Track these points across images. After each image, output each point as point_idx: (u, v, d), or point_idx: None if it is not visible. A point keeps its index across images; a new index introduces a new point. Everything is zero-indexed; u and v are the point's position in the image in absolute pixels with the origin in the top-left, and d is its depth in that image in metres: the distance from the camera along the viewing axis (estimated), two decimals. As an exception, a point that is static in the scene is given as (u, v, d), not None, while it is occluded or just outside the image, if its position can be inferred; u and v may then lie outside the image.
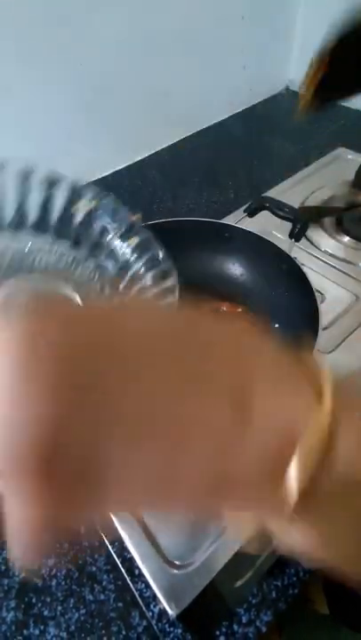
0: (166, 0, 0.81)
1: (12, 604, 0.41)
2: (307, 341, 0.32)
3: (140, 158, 0.98)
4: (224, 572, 0.29)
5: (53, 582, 0.42)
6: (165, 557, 0.30)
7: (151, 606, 0.40)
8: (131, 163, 0.97)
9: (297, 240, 0.39)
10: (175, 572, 0.29)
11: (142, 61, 0.85)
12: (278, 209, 0.40)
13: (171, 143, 1.02)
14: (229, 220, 0.45)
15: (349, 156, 0.70)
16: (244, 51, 1.03)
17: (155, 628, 0.38)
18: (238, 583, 0.34)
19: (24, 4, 0.65)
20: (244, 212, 0.43)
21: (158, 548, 0.31)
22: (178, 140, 1.03)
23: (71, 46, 0.74)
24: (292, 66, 1.15)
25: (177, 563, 0.30)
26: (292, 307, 0.38)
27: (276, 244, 0.40)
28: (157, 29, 0.84)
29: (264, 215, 0.45)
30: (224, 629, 0.37)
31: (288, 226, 0.42)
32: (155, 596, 0.40)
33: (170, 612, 0.27)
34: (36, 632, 0.40)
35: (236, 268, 0.45)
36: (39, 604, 0.41)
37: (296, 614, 0.44)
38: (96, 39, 0.77)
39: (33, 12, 0.67)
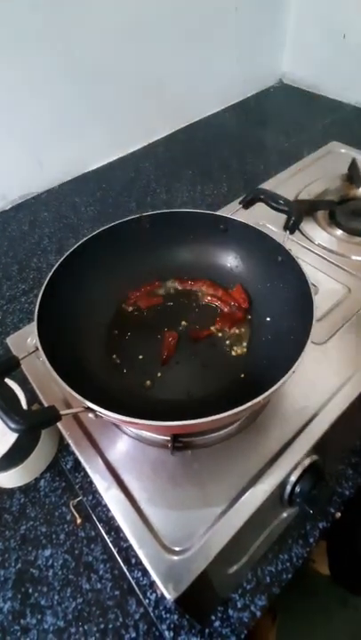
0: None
1: (9, 594, 0.41)
2: (301, 333, 0.32)
3: (133, 150, 0.97)
4: (220, 557, 0.30)
5: (50, 572, 0.43)
6: (162, 543, 0.30)
7: (148, 594, 0.40)
8: (124, 154, 0.96)
9: (292, 232, 0.39)
10: (172, 557, 0.30)
11: (135, 51, 0.84)
12: (273, 201, 0.40)
13: (164, 135, 1.01)
14: (224, 211, 0.44)
15: (342, 150, 0.71)
16: (237, 43, 1.02)
17: (152, 614, 0.39)
18: (234, 568, 0.35)
19: None
20: (240, 203, 0.43)
21: (155, 534, 0.31)
22: (171, 131, 1.02)
23: (63, 34, 0.73)
24: (286, 59, 1.15)
25: (174, 549, 0.30)
26: (287, 298, 0.38)
27: (272, 235, 0.40)
28: (151, 19, 0.83)
29: (257, 207, 0.45)
30: (219, 614, 0.38)
31: (281, 218, 0.42)
32: (151, 584, 0.41)
33: (168, 596, 0.28)
34: (34, 621, 0.40)
35: (231, 260, 0.46)
36: (36, 594, 0.41)
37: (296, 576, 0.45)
38: (89, 28, 0.75)
39: (27, 2, 0.65)
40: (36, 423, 0.26)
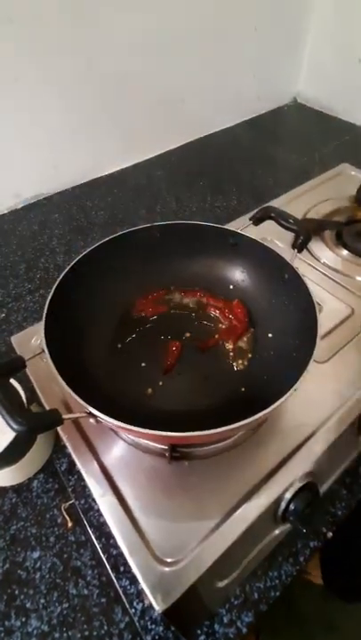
0: (182, 8, 0.82)
1: (-5, 594, 0.41)
2: (304, 351, 0.33)
3: (146, 158, 0.99)
4: (211, 571, 0.30)
5: (37, 575, 0.42)
6: (154, 553, 0.30)
7: (134, 603, 0.40)
8: (137, 162, 0.98)
9: (299, 251, 0.40)
10: (163, 568, 0.30)
11: (155, 66, 0.86)
12: (283, 219, 0.41)
13: (178, 145, 1.03)
14: (234, 225, 0.45)
15: (352, 172, 0.72)
16: (254, 61, 1.04)
17: (137, 624, 0.39)
18: (224, 582, 0.34)
19: (39, 3, 0.65)
20: (250, 219, 0.43)
21: (147, 543, 0.31)
22: (185, 142, 1.04)
23: (86, 45, 0.74)
24: (301, 79, 1.18)
25: (166, 559, 0.30)
26: (291, 316, 0.39)
27: (280, 252, 0.41)
28: (171, 36, 0.85)
29: (266, 223, 0.46)
30: (205, 629, 0.38)
31: (288, 235, 0.43)
32: (138, 593, 0.40)
33: (156, 607, 0.28)
34: (18, 624, 0.40)
35: (238, 274, 0.46)
36: (22, 596, 0.41)
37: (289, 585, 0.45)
38: (111, 42, 0.77)
39: (48, 10, 0.67)
40: (37, 426, 0.27)
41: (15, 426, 0.26)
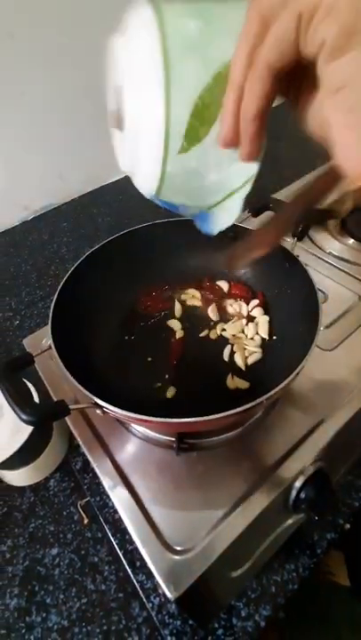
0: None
1: (16, 590, 0.42)
2: (308, 337, 0.33)
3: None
4: (222, 560, 0.30)
5: (56, 571, 0.43)
6: (165, 542, 0.31)
7: (151, 597, 0.40)
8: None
9: (299, 239, 0.40)
10: (174, 557, 0.30)
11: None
12: (281, 209, 0.41)
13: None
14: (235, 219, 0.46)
15: (355, 162, 0.72)
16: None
17: (155, 619, 0.39)
18: (237, 572, 0.34)
19: (41, 14, 0.68)
20: (249, 212, 0.44)
21: (158, 533, 0.31)
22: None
23: (88, 53, 0.77)
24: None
25: (177, 548, 0.30)
26: (294, 304, 0.39)
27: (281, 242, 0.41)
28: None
29: (269, 216, 0.46)
30: (223, 622, 0.38)
31: (291, 226, 0.43)
32: (155, 588, 0.41)
33: (169, 595, 0.28)
34: (38, 619, 0.40)
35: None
36: (42, 592, 0.42)
37: (315, 586, 0.44)
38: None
39: (49, 20, 0.69)
40: (46, 415, 0.28)
41: (24, 416, 0.27)
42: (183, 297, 0.48)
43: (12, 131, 0.76)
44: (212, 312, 0.45)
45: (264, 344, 0.42)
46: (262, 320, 0.43)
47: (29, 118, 0.76)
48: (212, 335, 0.44)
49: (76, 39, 0.74)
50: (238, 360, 0.41)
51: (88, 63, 0.78)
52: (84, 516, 0.47)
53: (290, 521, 0.37)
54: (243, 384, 0.38)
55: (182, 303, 0.47)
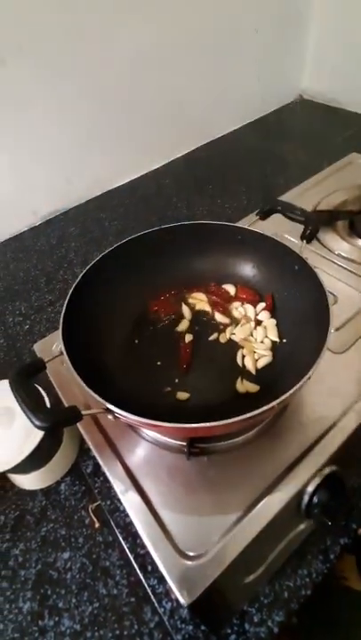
0: (182, 15, 0.84)
1: (29, 594, 0.42)
2: (318, 340, 0.33)
3: (155, 167, 1.01)
4: (235, 566, 0.30)
5: (68, 575, 0.43)
6: (177, 548, 0.31)
7: (163, 602, 0.40)
8: (146, 172, 1.00)
9: (308, 241, 0.40)
10: (187, 562, 0.30)
11: (158, 76, 0.88)
12: (290, 211, 0.41)
13: (185, 152, 1.05)
14: (243, 223, 0.46)
15: (363, 161, 0.71)
16: (257, 62, 1.05)
17: (167, 624, 0.39)
18: (250, 578, 0.34)
19: (44, 22, 0.69)
20: (256, 215, 0.44)
21: (170, 538, 0.31)
22: (192, 149, 1.06)
23: (89, 61, 0.78)
24: (306, 75, 1.17)
25: (189, 554, 0.30)
26: (304, 306, 0.38)
27: (290, 245, 0.41)
28: (173, 43, 0.87)
29: (276, 219, 0.46)
30: (235, 628, 0.38)
31: (300, 229, 0.43)
32: (167, 593, 0.41)
33: (182, 600, 0.28)
34: (51, 623, 0.41)
35: (249, 270, 0.46)
36: (54, 596, 0.42)
37: (328, 590, 0.43)
38: (114, 54, 0.80)
39: (52, 29, 0.70)
40: (58, 421, 0.28)
41: (37, 422, 0.27)
42: (191, 301, 0.48)
43: (20, 137, 0.77)
44: (220, 316, 0.45)
45: (274, 347, 0.41)
46: (270, 324, 0.43)
47: (37, 125, 0.78)
48: (222, 339, 0.44)
49: (83, 55, 0.75)
50: (248, 364, 0.40)
51: (93, 73, 0.79)
52: (95, 519, 0.47)
53: (303, 526, 0.37)
54: (253, 388, 0.38)
55: (191, 307, 0.47)
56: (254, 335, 0.43)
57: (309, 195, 0.65)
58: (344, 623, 0.53)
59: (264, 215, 0.44)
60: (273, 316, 0.44)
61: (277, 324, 0.42)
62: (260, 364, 0.40)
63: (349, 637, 0.52)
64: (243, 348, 0.42)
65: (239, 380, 0.39)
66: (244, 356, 0.42)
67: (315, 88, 1.18)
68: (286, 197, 0.67)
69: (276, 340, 0.41)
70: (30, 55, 0.70)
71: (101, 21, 0.75)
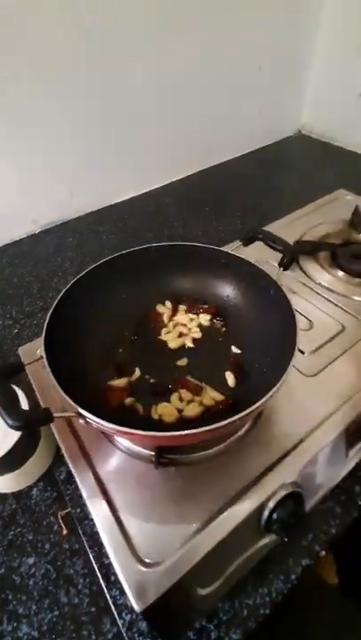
0: (190, 50, 0.90)
1: (-11, 598, 0.42)
2: (285, 359, 0.35)
3: (156, 187, 1.05)
4: (191, 576, 0.31)
5: (31, 581, 0.43)
6: (137, 555, 0.31)
7: (123, 614, 0.40)
8: (147, 190, 1.04)
9: (285, 269, 0.43)
10: (144, 569, 0.30)
11: (163, 103, 0.93)
12: (270, 240, 0.44)
13: (185, 175, 1.10)
14: (229, 247, 0.48)
15: (348, 197, 0.75)
16: (259, 97, 1.12)
17: (125, 635, 0.39)
18: (207, 590, 0.35)
19: (54, 49, 0.74)
20: (240, 240, 0.47)
21: (132, 545, 0.32)
22: (192, 172, 1.11)
23: (101, 86, 0.83)
24: (305, 112, 1.24)
25: (147, 560, 0.31)
26: (276, 328, 0.40)
27: (268, 270, 0.43)
28: (179, 77, 0.93)
29: (261, 245, 0.49)
30: (192, 644, 0.38)
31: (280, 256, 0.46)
32: (127, 605, 0.41)
33: (135, 606, 0.28)
34: (9, 628, 0.40)
35: (229, 291, 0.49)
36: (14, 602, 0.42)
37: (304, 587, 0.43)
38: (124, 82, 0.85)
39: (62, 53, 0.75)
40: (31, 421, 0.29)
41: (10, 422, 0.28)
42: (176, 318, 0.50)
43: (27, 146, 0.80)
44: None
45: (247, 369, 0.43)
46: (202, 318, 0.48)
47: (44, 136, 0.81)
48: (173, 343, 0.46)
49: (93, 76, 0.80)
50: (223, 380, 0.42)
51: (101, 89, 0.84)
52: (63, 526, 0.47)
53: (263, 541, 0.38)
54: (218, 396, 0.40)
55: (174, 323, 0.49)
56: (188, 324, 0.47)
57: (297, 225, 0.69)
58: (320, 619, 0.52)
59: (246, 242, 0.47)
60: (245, 341, 0.46)
61: (252, 346, 0.44)
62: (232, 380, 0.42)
63: (327, 633, 0.50)
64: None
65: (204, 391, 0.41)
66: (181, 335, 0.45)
67: (314, 125, 1.24)
68: (276, 225, 0.70)
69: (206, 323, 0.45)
70: (42, 72, 0.74)
71: (114, 49, 0.80)
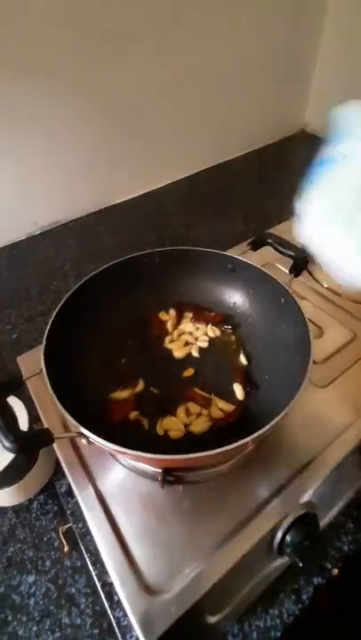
0: (190, 49, 0.88)
1: (-12, 619, 0.41)
2: (299, 374, 0.33)
3: (157, 187, 1.03)
4: (201, 604, 0.29)
5: (32, 600, 0.42)
6: (143, 582, 0.30)
7: (127, 636, 0.38)
8: (148, 191, 1.02)
9: (296, 275, 0.41)
10: (151, 598, 0.29)
11: (166, 101, 0.91)
12: (280, 245, 0.42)
13: (188, 174, 1.07)
14: (235, 251, 0.46)
15: (357, 198, 0.73)
16: (263, 96, 1.09)
17: (129, 660, 0.37)
18: (216, 618, 0.33)
19: (57, 47, 0.71)
20: (247, 245, 0.45)
21: (137, 571, 0.30)
22: (195, 172, 1.08)
23: (102, 84, 0.80)
24: (309, 110, 1.22)
25: (154, 589, 0.29)
26: (287, 339, 0.39)
27: (276, 276, 0.42)
28: (183, 73, 0.90)
29: (269, 248, 0.46)
30: (200, 669, 0.36)
31: (290, 260, 0.44)
32: (132, 626, 0.39)
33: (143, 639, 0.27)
34: (9, 652, 0.39)
35: (237, 298, 0.47)
36: (14, 623, 0.40)
37: None
38: (124, 82, 0.83)
39: (62, 53, 0.73)
40: (28, 445, 0.28)
41: (7, 444, 0.26)
42: (181, 327, 0.48)
43: (28, 147, 0.78)
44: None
45: (256, 381, 0.41)
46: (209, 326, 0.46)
47: (45, 137, 0.79)
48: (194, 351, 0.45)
49: (96, 78, 0.78)
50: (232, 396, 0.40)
51: (101, 89, 0.81)
52: (64, 542, 0.45)
53: (275, 564, 0.36)
54: (227, 406, 0.38)
55: (179, 332, 0.47)
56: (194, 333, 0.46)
57: (304, 226, 0.67)
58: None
59: (255, 247, 0.45)
60: (253, 351, 0.44)
61: (261, 356, 0.42)
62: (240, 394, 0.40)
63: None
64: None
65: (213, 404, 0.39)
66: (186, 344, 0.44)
67: (317, 123, 1.22)
68: (280, 228, 0.68)
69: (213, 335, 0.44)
70: (40, 73, 0.72)
71: (115, 50, 0.78)
